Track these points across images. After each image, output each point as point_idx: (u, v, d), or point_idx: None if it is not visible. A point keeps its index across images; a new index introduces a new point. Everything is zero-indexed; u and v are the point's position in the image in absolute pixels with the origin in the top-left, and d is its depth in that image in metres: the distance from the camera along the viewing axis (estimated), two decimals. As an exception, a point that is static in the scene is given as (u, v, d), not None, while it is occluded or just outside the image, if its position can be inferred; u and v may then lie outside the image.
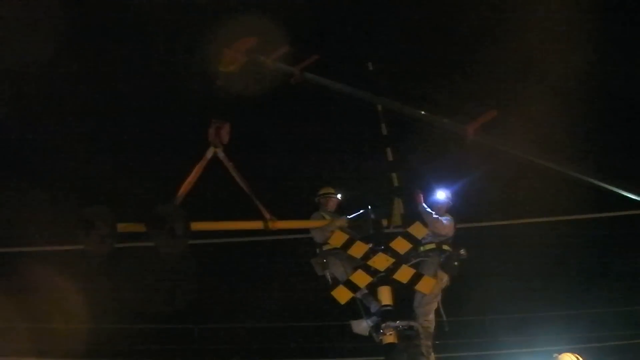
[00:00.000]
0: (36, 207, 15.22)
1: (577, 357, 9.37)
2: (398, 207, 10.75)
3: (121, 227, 9.21)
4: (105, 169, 15.28)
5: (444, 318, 10.29)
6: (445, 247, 10.35)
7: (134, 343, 16.75)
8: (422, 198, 10.51)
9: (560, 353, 9.38)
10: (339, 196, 10.91)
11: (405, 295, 10.12)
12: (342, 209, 10.87)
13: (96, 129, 15.14)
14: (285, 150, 15.98)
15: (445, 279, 10.24)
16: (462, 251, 10.38)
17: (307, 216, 10.78)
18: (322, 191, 10.92)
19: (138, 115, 15.08)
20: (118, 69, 14.79)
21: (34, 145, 15.56)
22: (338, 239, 10.23)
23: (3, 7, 13.50)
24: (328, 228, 10.38)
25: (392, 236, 10.34)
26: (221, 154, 9.81)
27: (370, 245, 10.15)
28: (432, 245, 10.36)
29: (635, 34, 14.05)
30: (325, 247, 10.45)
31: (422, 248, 10.39)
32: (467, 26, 13.80)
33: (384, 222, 10.52)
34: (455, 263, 10.28)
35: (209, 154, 9.79)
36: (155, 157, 15.43)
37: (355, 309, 10.21)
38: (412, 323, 9.82)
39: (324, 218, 10.58)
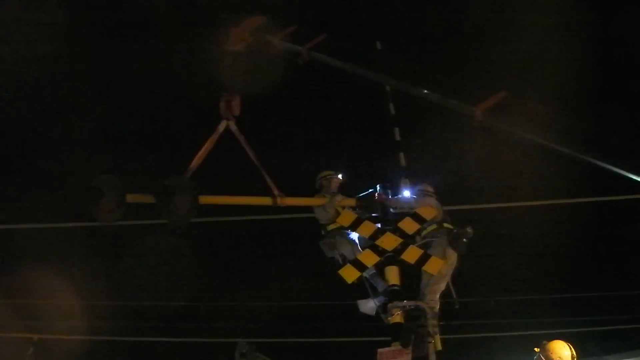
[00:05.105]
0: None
1: (568, 345, 9.28)
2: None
3: (130, 197, 9.19)
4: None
5: (454, 297, 10.29)
6: (446, 225, 10.31)
7: (140, 320, 16.81)
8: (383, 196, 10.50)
9: (549, 340, 9.29)
10: (339, 176, 10.89)
11: (413, 276, 10.12)
12: (349, 189, 10.87)
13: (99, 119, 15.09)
14: (292, 130, 15.95)
15: (453, 258, 10.17)
16: (469, 229, 10.32)
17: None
18: (323, 174, 10.87)
19: (156, 99, 15.04)
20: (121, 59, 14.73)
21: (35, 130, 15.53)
22: (346, 218, 10.26)
23: (3, 7, 13.42)
24: (330, 204, 10.37)
25: (401, 216, 10.36)
26: (233, 127, 9.78)
27: (379, 225, 10.18)
28: (434, 227, 10.32)
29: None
30: (330, 227, 10.48)
31: (424, 231, 10.32)
32: (479, 7, 13.68)
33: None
34: (464, 240, 10.25)
35: (221, 127, 9.75)
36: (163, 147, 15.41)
37: (362, 289, 10.24)
38: (418, 303, 9.81)
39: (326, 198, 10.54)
